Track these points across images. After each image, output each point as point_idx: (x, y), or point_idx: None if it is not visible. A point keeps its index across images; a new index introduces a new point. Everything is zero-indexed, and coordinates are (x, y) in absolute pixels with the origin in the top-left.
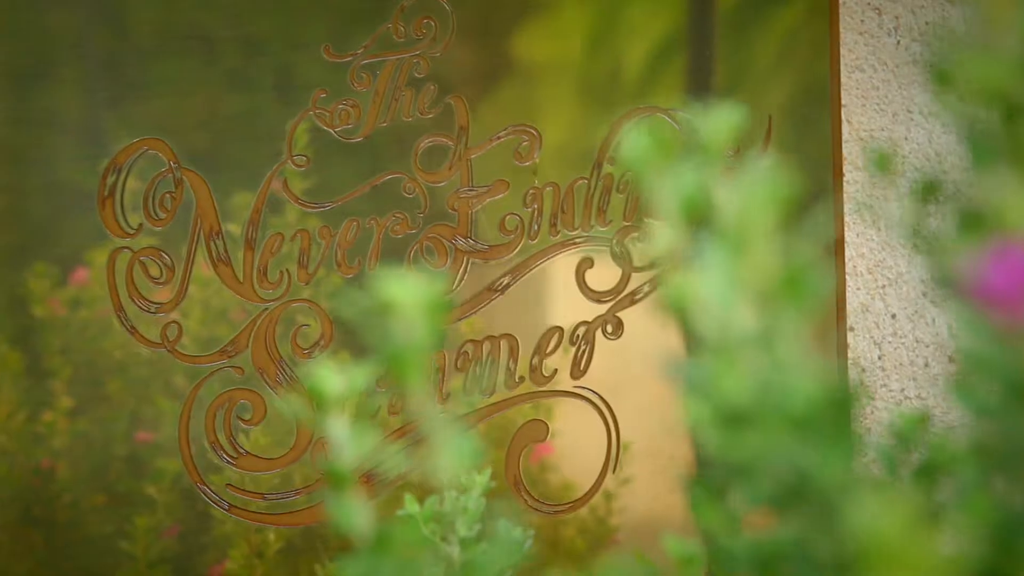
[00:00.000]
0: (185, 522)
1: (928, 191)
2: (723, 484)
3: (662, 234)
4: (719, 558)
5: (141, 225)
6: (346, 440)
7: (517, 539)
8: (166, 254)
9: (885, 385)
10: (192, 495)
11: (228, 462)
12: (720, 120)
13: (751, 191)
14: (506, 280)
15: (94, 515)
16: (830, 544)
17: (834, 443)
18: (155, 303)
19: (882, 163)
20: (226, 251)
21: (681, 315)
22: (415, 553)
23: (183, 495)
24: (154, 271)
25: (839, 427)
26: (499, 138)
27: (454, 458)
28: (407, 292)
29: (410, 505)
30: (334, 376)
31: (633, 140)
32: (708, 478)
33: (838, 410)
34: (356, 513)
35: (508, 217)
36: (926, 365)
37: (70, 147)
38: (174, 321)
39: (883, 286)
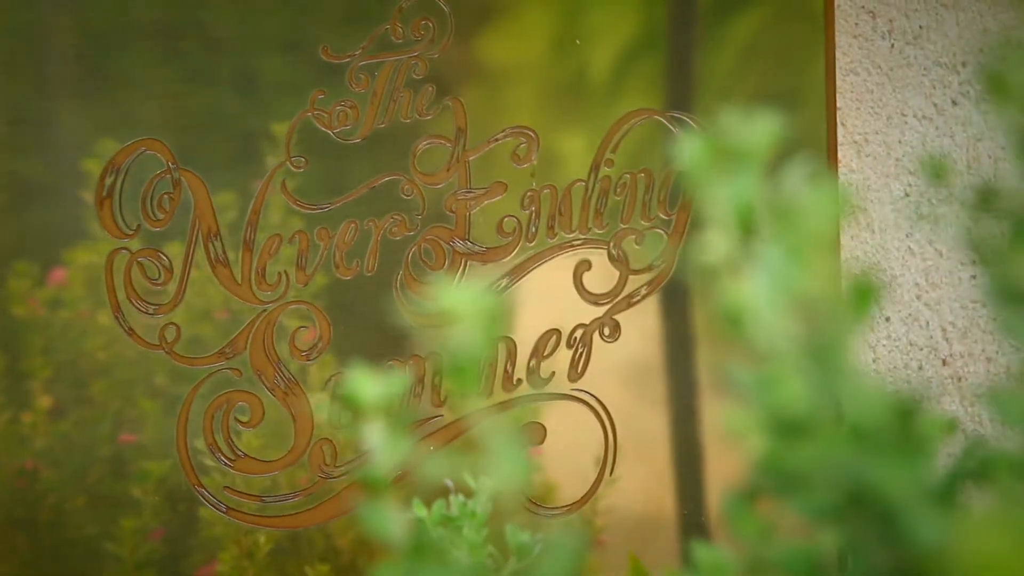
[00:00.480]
0: (172, 524)
1: (985, 200)
2: (762, 493)
3: (716, 242)
4: (759, 567)
5: (139, 226)
6: (382, 446)
7: (571, 548)
8: (164, 255)
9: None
10: (178, 497)
11: (226, 464)
12: (760, 127)
13: (810, 199)
14: (504, 282)
15: (78, 516)
16: (891, 556)
17: (900, 453)
18: (153, 304)
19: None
20: (224, 252)
21: (735, 324)
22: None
23: (170, 496)
24: (152, 272)
25: (905, 437)
26: (497, 140)
27: (506, 467)
28: (464, 301)
29: (418, 509)
30: (370, 382)
31: (687, 146)
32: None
33: (904, 419)
34: (392, 519)
35: (506, 219)
36: (920, 368)
37: (49, 143)
38: (172, 323)
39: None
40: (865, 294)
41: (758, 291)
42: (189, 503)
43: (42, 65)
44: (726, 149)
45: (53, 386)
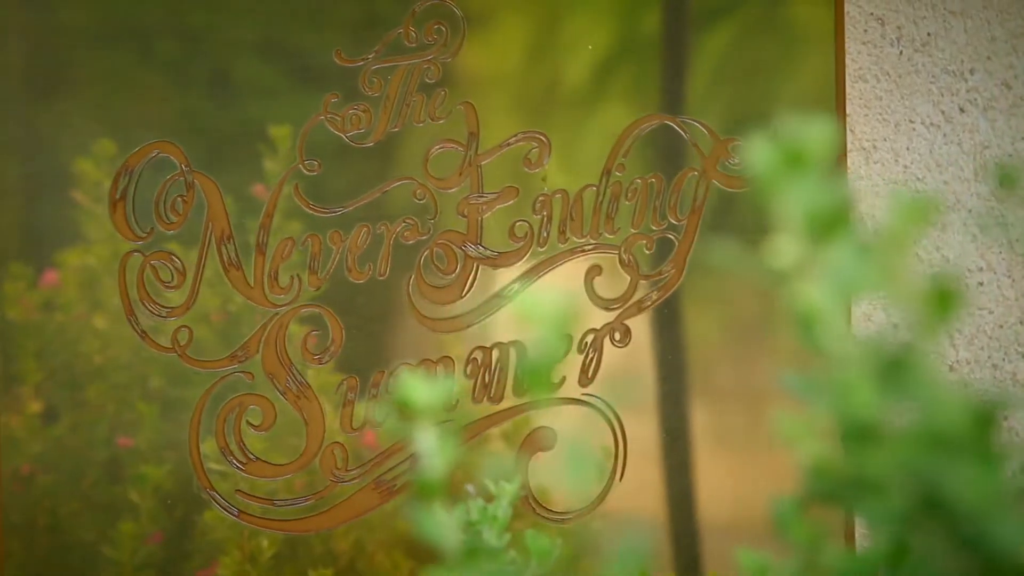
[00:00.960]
0: (171, 528)
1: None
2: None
3: (787, 246)
4: (811, 573)
5: (152, 229)
6: (433, 450)
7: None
8: (177, 258)
9: None
10: (177, 500)
11: (238, 468)
12: (819, 132)
13: (895, 205)
14: (515, 287)
15: (75, 521)
16: (964, 562)
17: (978, 460)
18: (166, 307)
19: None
20: (237, 255)
21: (806, 329)
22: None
23: (168, 500)
24: (165, 275)
25: (983, 443)
26: (509, 144)
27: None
28: (539, 306)
29: (439, 513)
30: (423, 386)
31: (759, 150)
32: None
33: (981, 426)
34: (443, 524)
35: (517, 224)
36: None
37: (43, 144)
38: (184, 326)
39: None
40: (946, 298)
41: (830, 296)
42: (189, 507)
43: (51, 67)
44: (794, 154)
45: (48, 390)
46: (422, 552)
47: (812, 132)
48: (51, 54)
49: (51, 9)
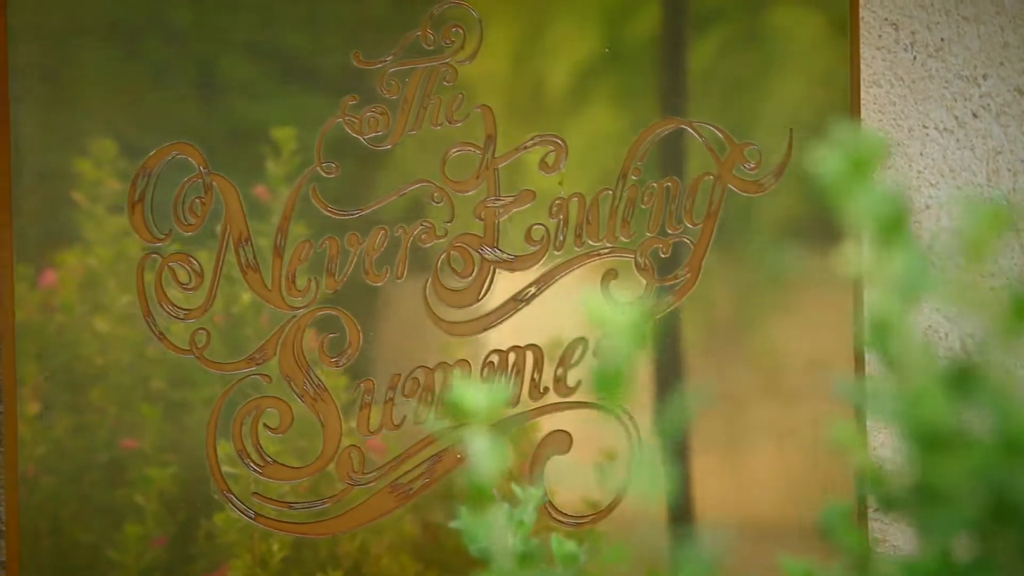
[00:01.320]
0: (180, 531)
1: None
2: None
3: (858, 252)
4: None
5: (171, 230)
6: (486, 455)
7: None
8: (195, 260)
9: None
10: (182, 503)
11: (255, 470)
12: (867, 140)
13: (973, 213)
14: (532, 290)
15: (80, 523)
16: None
17: None
18: (183, 309)
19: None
20: (255, 257)
21: (879, 336)
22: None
23: (173, 502)
24: (183, 277)
25: None
26: (526, 147)
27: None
28: (610, 313)
29: (464, 517)
30: (476, 392)
31: (828, 156)
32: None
33: None
34: (494, 529)
35: (534, 227)
36: None
37: (44, 144)
38: (203, 328)
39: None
40: (1021, 309)
41: (899, 303)
42: (194, 510)
43: (79, 67)
44: (858, 161)
45: (53, 392)
46: (428, 555)
47: (867, 140)
48: (68, 55)
49: (69, 8)
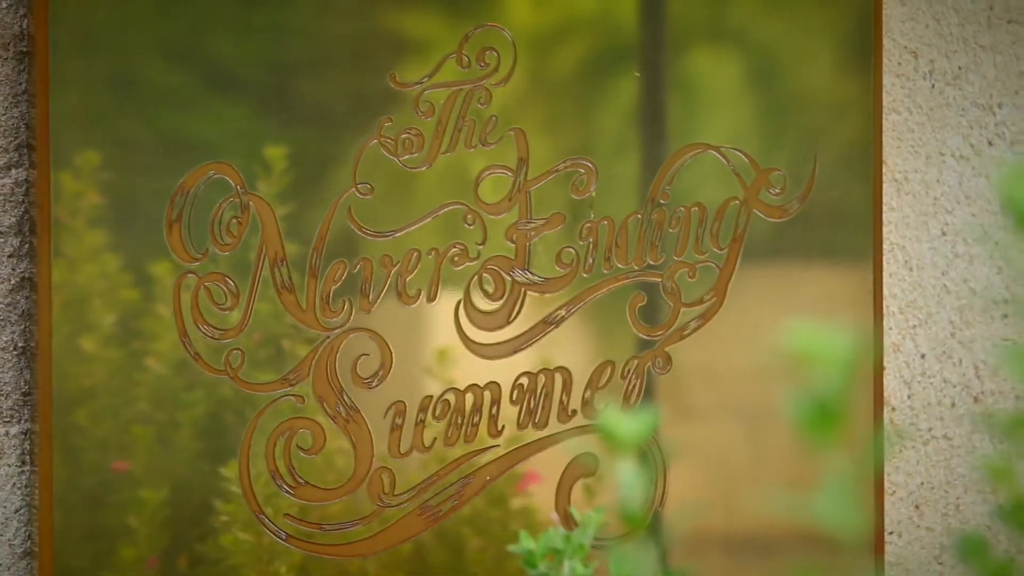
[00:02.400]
0: (180, 552)
1: None
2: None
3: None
4: None
5: (207, 250)
6: (635, 482)
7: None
8: (231, 280)
9: (914, 424)
10: (181, 524)
11: (287, 492)
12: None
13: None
14: (561, 313)
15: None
16: None
17: None
18: (219, 329)
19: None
20: (290, 278)
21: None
22: None
23: (168, 524)
24: (219, 297)
25: None
26: (557, 171)
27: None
28: (822, 345)
29: (525, 541)
30: (627, 420)
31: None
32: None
33: None
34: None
35: (564, 250)
36: (952, 405)
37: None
38: (237, 348)
39: (914, 326)
40: None
41: None
42: (205, 531)
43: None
44: None
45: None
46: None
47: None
48: (115, 70)
49: (112, 23)
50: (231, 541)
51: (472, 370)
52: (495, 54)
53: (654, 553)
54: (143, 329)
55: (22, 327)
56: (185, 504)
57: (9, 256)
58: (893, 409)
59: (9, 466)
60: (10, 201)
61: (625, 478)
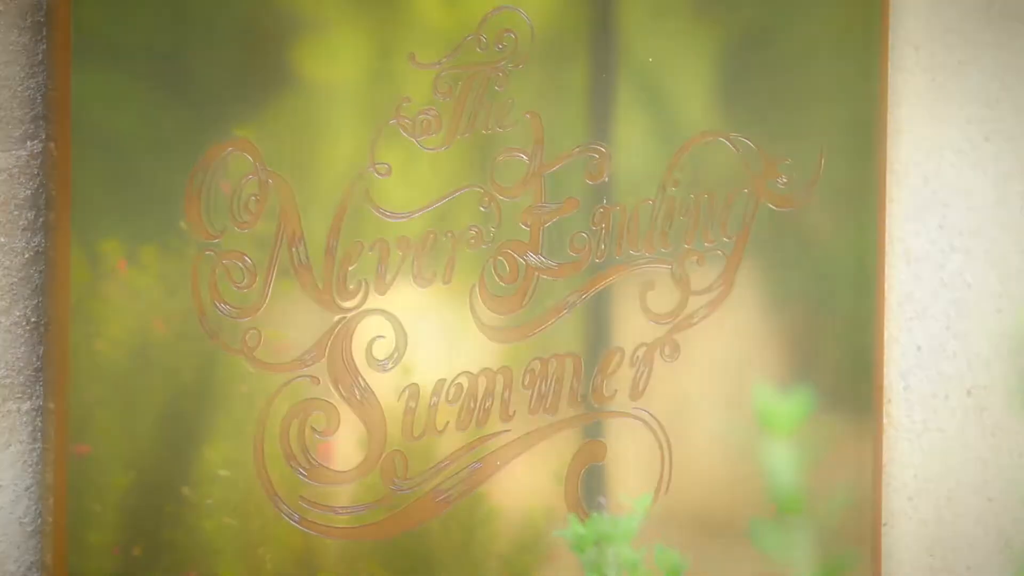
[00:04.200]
0: (158, 537)
1: None
2: None
3: None
4: None
5: (225, 228)
6: (789, 465)
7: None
8: (248, 258)
9: (909, 416)
10: (150, 510)
11: (302, 474)
12: None
13: None
14: (573, 298)
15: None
16: None
17: None
18: (236, 308)
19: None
20: (307, 258)
21: None
22: None
23: (136, 511)
24: (237, 275)
25: None
26: (571, 155)
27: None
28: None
29: (574, 525)
30: (783, 400)
31: None
32: None
33: None
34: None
35: (577, 235)
36: (947, 397)
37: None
38: (254, 328)
39: (910, 319)
40: None
41: None
42: (163, 518)
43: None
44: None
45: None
46: (400, 564)
47: None
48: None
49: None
50: (241, 521)
51: (485, 354)
52: (513, 36)
53: (806, 535)
54: (159, 307)
55: (35, 302)
56: (196, 483)
57: (23, 229)
58: (889, 401)
59: (21, 443)
60: (25, 173)
61: (779, 461)
